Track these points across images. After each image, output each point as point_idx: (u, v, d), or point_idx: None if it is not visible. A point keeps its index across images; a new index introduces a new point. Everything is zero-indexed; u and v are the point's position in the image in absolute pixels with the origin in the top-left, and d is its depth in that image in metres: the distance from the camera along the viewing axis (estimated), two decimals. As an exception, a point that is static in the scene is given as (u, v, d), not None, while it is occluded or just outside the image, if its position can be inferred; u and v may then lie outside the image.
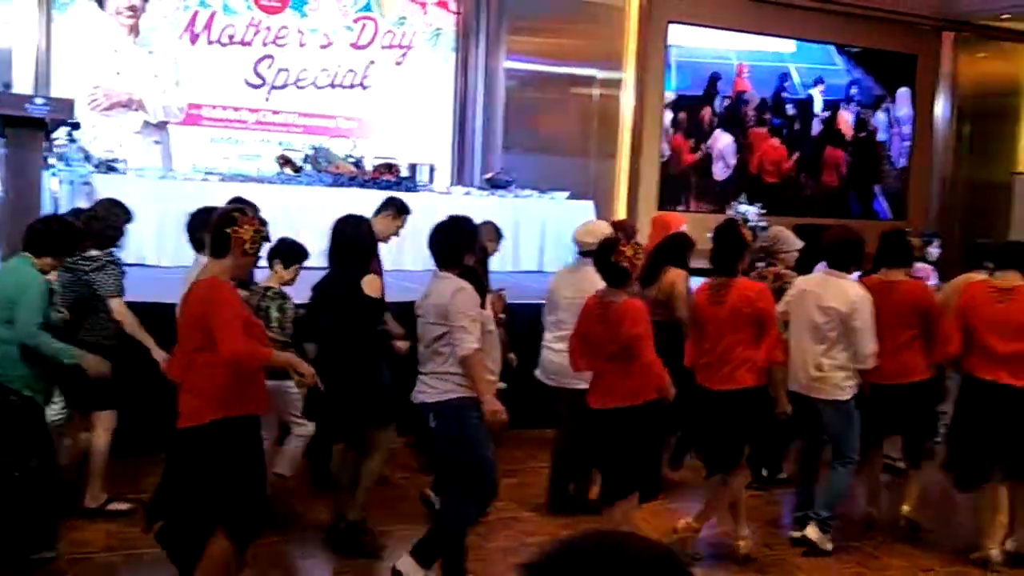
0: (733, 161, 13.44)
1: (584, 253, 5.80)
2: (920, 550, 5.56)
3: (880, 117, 14.82)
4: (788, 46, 13.46)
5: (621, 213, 13.04)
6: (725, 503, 5.28)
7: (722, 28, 13.61)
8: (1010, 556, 5.34)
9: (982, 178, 15.56)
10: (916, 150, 15.20)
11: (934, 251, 8.61)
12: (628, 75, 12.93)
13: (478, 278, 4.85)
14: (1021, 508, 5.42)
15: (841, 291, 5.21)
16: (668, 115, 13.20)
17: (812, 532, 5.35)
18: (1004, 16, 14.36)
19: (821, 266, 5.71)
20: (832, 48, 14.30)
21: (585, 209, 10.46)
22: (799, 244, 6.51)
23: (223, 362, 3.76)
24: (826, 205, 14.23)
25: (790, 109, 13.97)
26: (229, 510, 3.86)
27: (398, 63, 11.59)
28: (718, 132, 13.49)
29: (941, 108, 15.21)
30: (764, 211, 12.07)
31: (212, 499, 3.83)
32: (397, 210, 6.05)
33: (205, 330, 3.79)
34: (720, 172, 13.41)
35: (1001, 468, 5.32)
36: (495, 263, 7.16)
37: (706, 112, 13.44)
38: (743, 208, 12.08)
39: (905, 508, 5.77)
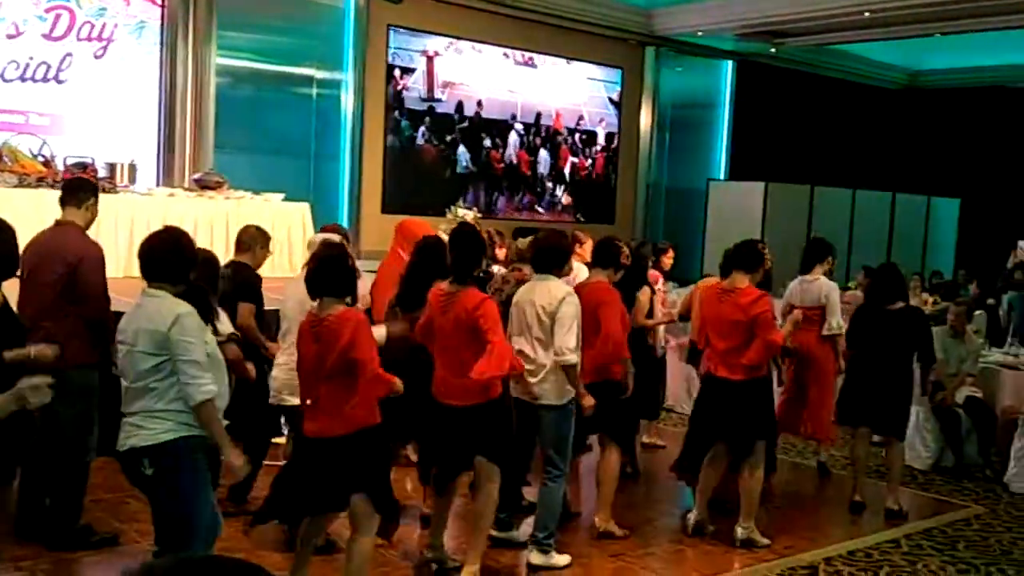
0: (545, 170, 15.18)
1: None
2: (623, 545, 5.85)
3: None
4: (583, 99, 15.43)
5: (344, 216, 12.96)
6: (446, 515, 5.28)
7: (442, 35, 13.81)
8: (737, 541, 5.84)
9: (682, 185, 16.71)
10: (623, 159, 16.09)
11: (667, 260, 8.93)
12: (348, 76, 12.88)
13: (204, 297, 4.20)
14: (742, 493, 5.86)
15: (547, 291, 5.24)
16: (515, 137, 14.71)
17: (537, 558, 5.33)
18: (699, 33, 15.46)
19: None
20: (607, 100, 15.63)
21: (301, 211, 10.28)
22: None
23: None
24: (599, 211, 15.68)
25: (582, 138, 15.57)
26: None
27: (98, 56, 10.89)
28: (542, 150, 15.16)
29: (645, 119, 16.18)
30: (480, 214, 12.42)
31: None
32: (93, 193, 5.46)
33: None
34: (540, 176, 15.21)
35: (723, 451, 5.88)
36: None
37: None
38: (461, 211, 12.32)
39: (597, 521, 5.95)
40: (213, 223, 8.99)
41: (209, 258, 5.22)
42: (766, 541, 5.83)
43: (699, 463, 5.99)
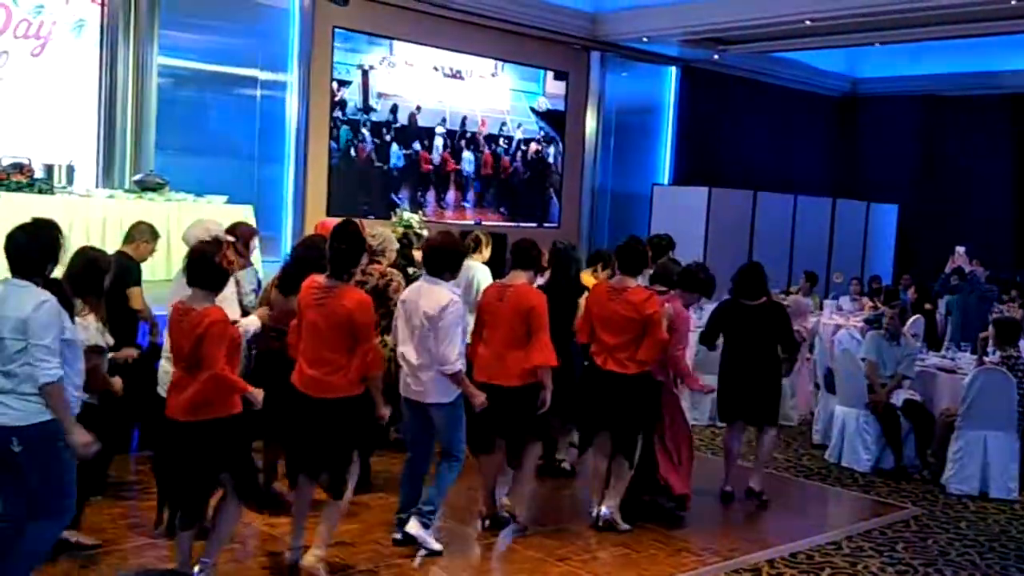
0: (471, 170, 15.25)
1: None
2: (554, 539, 5.86)
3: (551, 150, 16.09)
4: (506, 106, 15.50)
5: (288, 219, 12.85)
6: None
7: (388, 37, 13.75)
8: (599, 520, 6.05)
9: (627, 189, 16.82)
10: (568, 163, 16.14)
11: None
12: (292, 78, 12.77)
13: (63, 291, 4.28)
14: (614, 478, 6.06)
15: (433, 297, 5.30)
16: (440, 141, 14.77)
17: (413, 527, 5.42)
18: (644, 39, 15.57)
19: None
20: (528, 108, 15.69)
21: (244, 214, 10.16)
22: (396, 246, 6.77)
23: None
24: (521, 212, 15.72)
25: (503, 143, 15.57)
26: None
27: (35, 55, 10.66)
28: (466, 152, 15.18)
29: (590, 123, 16.25)
30: (425, 218, 12.41)
31: None
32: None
33: None
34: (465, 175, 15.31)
35: (607, 440, 6.04)
36: (147, 271, 6.78)
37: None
38: (407, 215, 12.32)
39: (505, 500, 6.05)
40: (156, 225, 8.81)
41: (96, 257, 5.08)
42: (626, 526, 6.03)
43: (585, 452, 6.28)
